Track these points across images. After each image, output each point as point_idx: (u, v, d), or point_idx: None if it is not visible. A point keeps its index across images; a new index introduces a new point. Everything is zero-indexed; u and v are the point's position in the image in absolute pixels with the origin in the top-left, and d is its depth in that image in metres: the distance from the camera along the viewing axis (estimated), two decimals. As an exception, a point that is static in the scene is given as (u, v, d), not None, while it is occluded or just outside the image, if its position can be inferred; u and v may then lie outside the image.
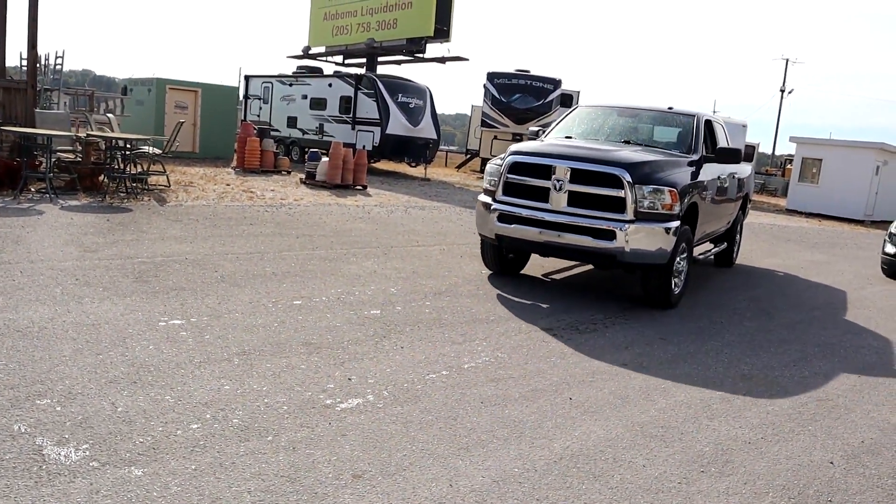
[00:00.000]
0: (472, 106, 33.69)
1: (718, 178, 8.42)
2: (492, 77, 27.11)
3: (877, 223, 23.89)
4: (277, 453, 3.34)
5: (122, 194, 11.17)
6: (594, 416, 4.22)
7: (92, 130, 14.31)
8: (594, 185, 6.69)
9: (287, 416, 3.75)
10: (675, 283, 7.21)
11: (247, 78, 27.61)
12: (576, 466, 3.55)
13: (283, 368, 4.43)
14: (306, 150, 21.91)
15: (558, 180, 6.78)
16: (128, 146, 11.59)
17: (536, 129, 9.05)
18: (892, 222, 12.05)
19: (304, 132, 24.18)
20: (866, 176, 24.06)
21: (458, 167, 32.35)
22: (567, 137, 8.23)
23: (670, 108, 8.71)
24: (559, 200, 6.82)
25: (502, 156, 7.43)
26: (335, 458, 3.36)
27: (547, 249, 7.11)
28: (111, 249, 7.31)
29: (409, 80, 22.90)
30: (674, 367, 5.36)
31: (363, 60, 25.54)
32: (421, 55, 24.02)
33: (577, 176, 6.74)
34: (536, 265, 8.87)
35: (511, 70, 27.15)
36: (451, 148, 52.83)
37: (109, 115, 18.69)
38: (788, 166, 37.06)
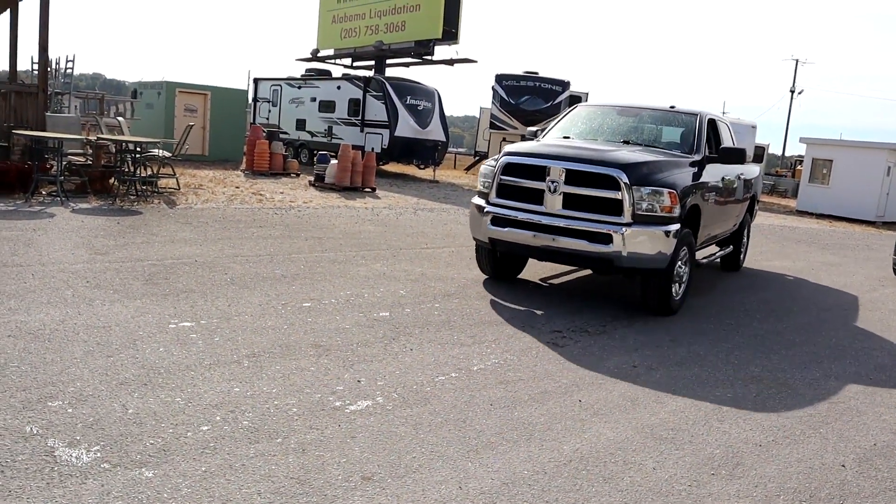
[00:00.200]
0: (481, 108, 33.72)
1: (723, 179, 8.18)
2: (500, 79, 27.13)
3: (888, 224, 23.74)
4: (287, 455, 3.35)
5: (132, 197, 11.23)
6: (604, 419, 4.21)
7: (102, 134, 14.38)
8: (590, 186, 6.46)
9: (297, 418, 3.76)
10: (675, 289, 6.96)
11: (256, 81, 27.70)
12: (585, 469, 3.54)
13: (292, 370, 4.44)
14: (315, 152, 21.99)
15: (553, 182, 6.54)
16: (138, 149, 11.65)
17: (535, 129, 8.85)
18: None
19: (312, 134, 24.24)
20: (877, 177, 23.91)
21: (467, 169, 32.38)
22: (565, 138, 8.01)
23: (672, 107, 8.45)
24: (554, 203, 6.59)
25: (496, 157, 7.24)
26: (345, 459, 3.36)
27: (542, 254, 6.88)
28: (121, 252, 7.34)
29: (418, 83, 22.93)
30: (683, 369, 5.35)
31: (372, 63, 25.62)
32: (429, 57, 24.07)
33: (572, 177, 6.50)
34: (537, 270, 8.86)
35: (519, 72, 27.17)
36: (460, 150, 52.92)
37: (120, 118, 18.80)
38: (798, 167, 36.92)
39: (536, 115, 25.77)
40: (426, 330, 5.65)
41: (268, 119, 26.10)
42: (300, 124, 24.76)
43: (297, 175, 18.29)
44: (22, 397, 3.67)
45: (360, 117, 22.31)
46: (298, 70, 27.00)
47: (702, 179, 7.34)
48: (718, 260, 9.61)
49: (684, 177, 6.92)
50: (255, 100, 27.25)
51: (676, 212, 6.50)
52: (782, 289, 9.41)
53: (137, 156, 11.69)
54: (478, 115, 35.69)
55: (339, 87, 23.54)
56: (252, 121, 26.47)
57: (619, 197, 6.33)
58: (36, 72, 14.68)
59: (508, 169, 6.92)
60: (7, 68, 14.80)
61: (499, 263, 7.81)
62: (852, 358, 6.17)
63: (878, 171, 23.96)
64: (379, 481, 3.20)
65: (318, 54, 27.37)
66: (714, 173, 7.81)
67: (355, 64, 26.88)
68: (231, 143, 21.81)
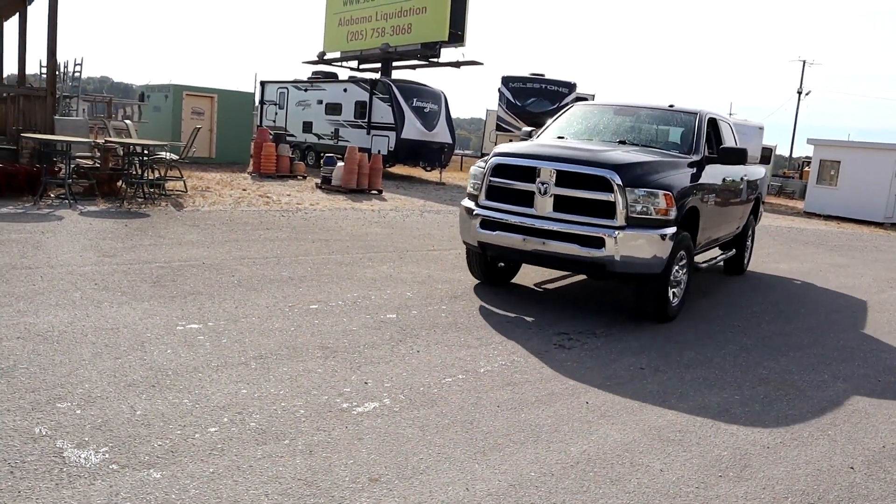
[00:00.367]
0: (487, 110, 33.74)
1: (723, 180, 7.95)
2: (507, 81, 27.14)
3: (896, 226, 23.62)
4: (294, 457, 3.35)
5: (139, 200, 11.28)
6: (611, 421, 4.20)
7: (110, 137, 14.44)
8: (581, 188, 6.22)
9: (304, 420, 3.76)
10: (672, 295, 6.69)
11: (262, 83, 27.79)
12: (592, 471, 3.54)
13: (299, 372, 4.45)
14: (322, 154, 22.01)
15: (543, 183, 6.31)
16: (145, 152, 11.70)
17: (530, 129, 8.62)
18: None
19: (319, 137, 24.30)
20: (886, 178, 23.80)
21: (473, 171, 32.29)
22: (560, 138, 7.79)
23: (671, 106, 8.18)
24: (544, 205, 6.35)
25: (486, 157, 7.03)
26: (352, 461, 3.37)
27: (532, 258, 6.65)
28: (129, 254, 7.37)
29: (424, 85, 22.97)
30: (691, 371, 5.33)
31: (378, 65, 25.68)
32: (436, 60, 24.13)
33: (562, 178, 6.27)
34: (536, 275, 8.85)
35: (526, 74, 27.18)
36: (467, 152, 52.92)
37: (127, 121, 18.87)
38: (806, 168, 36.80)
39: (543, 116, 25.73)
40: (433, 332, 5.65)
41: (274, 122, 26.17)
42: (307, 127, 24.83)
43: (304, 177, 18.33)
44: (31, 399, 3.69)
45: (366, 120, 22.35)
46: (305, 73, 27.08)
47: (701, 181, 7.12)
48: (721, 263, 9.41)
49: (681, 178, 6.70)
50: (262, 102, 27.33)
51: (672, 214, 6.27)
52: (790, 291, 9.38)
53: (145, 158, 11.75)
54: (484, 118, 35.71)
55: (345, 90, 23.59)
56: (259, 123, 26.54)
57: (612, 199, 6.11)
58: (44, 75, 14.76)
59: (498, 170, 6.71)
60: (16, 72, 14.88)
61: (490, 268, 7.60)
62: (861, 360, 6.14)
63: (886, 172, 23.85)
64: (386, 483, 3.20)
65: (325, 57, 27.45)
66: (714, 174, 7.60)
67: (361, 66, 26.94)
68: (238, 146, 21.89)
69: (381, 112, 21.88)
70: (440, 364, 4.88)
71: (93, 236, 8.13)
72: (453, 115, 23.41)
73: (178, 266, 7.04)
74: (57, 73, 15.19)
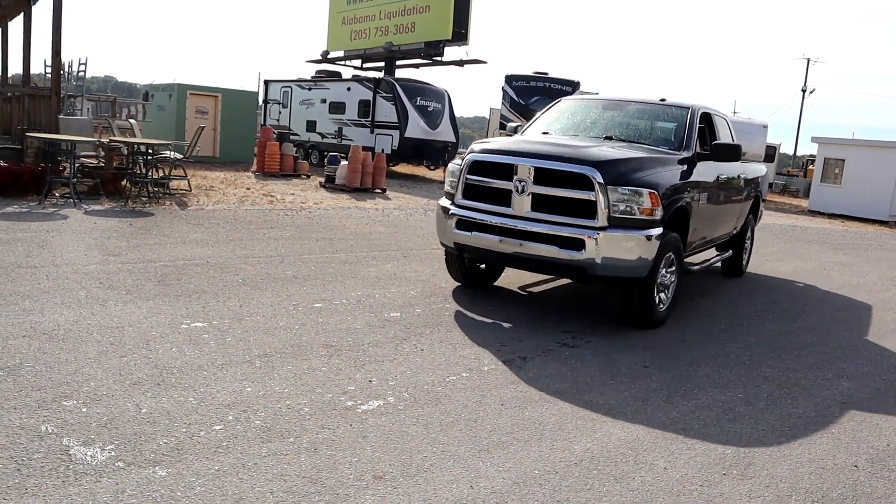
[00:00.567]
0: (491, 108, 33.72)
1: (718, 177, 7.59)
2: (510, 80, 27.12)
3: (901, 224, 23.56)
4: (299, 454, 3.37)
5: (144, 199, 11.30)
6: (615, 419, 4.21)
7: (114, 136, 14.48)
8: (560, 186, 5.88)
9: (308, 418, 3.78)
10: (659, 299, 6.37)
11: (266, 83, 27.82)
12: (596, 469, 3.54)
13: (304, 371, 4.46)
14: (325, 153, 22.07)
15: (520, 181, 5.98)
16: (150, 151, 11.73)
17: (516, 124, 8.24)
18: None
19: (323, 136, 24.32)
20: (890, 176, 23.73)
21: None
22: (544, 133, 7.45)
23: (662, 100, 7.80)
24: (522, 204, 6.02)
25: (464, 154, 6.72)
26: (356, 459, 3.38)
27: (510, 260, 6.35)
28: (134, 253, 7.39)
29: (428, 84, 22.97)
30: (694, 369, 5.33)
31: (381, 64, 25.70)
32: (439, 58, 24.13)
33: (541, 176, 5.94)
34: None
35: (529, 72, 27.15)
36: (470, 151, 52.80)
37: (132, 120, 18.92)
38: (810, 167, 36.73)
39: (546, 115, 25.71)
40: (437, 330, 5.66)
41: (278, 121, 26.20)
42: (310, 126, 24.85)
43: (308, 176, 18.35)
44: (37, 397, 3.71)
45: (370, 118, 22.37)
46: (308, 72, 27.12)
47: (692, 178, 6.77)
48: (720, 264, 9.16)
49: (669, 175, 6.36)
50: (266, 101, 27.36)
51: (658, 214, 5.93)
52: (794, 289, 9.37)
53: (149, 158, 11.77)
54: (488, 116, 35.70)
55: (349, 89, 23.61)
56: (262, 122, 26.58)
57: (593, 198, 5.77)
58: (49, 75, 14.80)
59: (475, 167, 6.38)
60: (20, 71, 14.92)
61: (470, 270, 7.25)
62: (865, 358, 6.14)
63: (891, 170, 23.79)
64: (390, 480, 3.21)
65: (328, 56, 27.47)
66: (707, 172, 7.24)
67: (365, 65, 26.96)
68: (242, 145, 21.92)
69: (385, 111, 21.89)
70: (444, 362, 4.89)
71: (97, 235, 8.16)
72: (457, 113, 23.43)
73: (183, 265, 7.06)
74: (61, 72, 15.23)
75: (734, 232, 9.18)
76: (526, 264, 6.31)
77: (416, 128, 21.44)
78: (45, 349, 4.40)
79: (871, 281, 10.57)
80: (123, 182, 11.79)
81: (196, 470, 3.13)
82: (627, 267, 5.88)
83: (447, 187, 6.79)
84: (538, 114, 8.29)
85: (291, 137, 22.14)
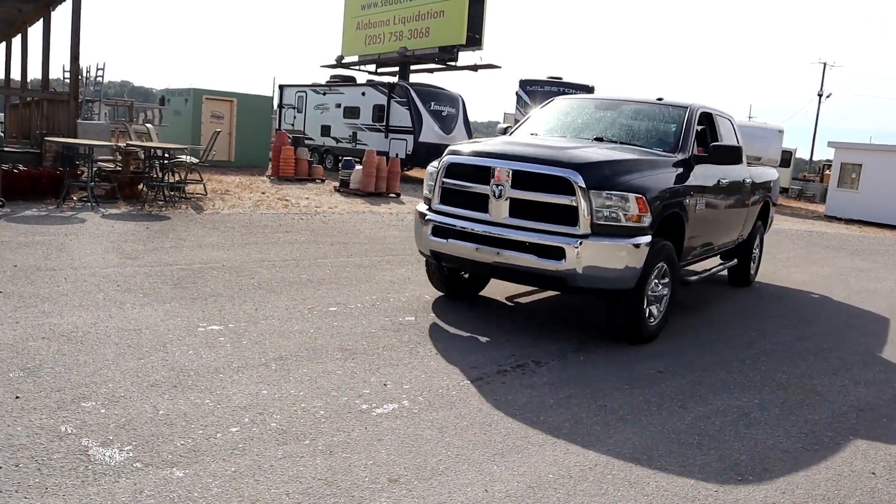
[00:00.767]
0: (505, 113, 33.75)
1: (718, 182, 7.10)
2: (524, 84, 27.12)
3: (919, 230, 23.34)
4: (315, 457, 3.39)
5: (160, 202, 11.40)
6: (629, 423, 4.20)
7: (131, 140, 14.61)
8: (540, 190, 5.48)
9: (324, 421, 3.80)
10: (650, 312, 5.92)
11: (281, 87, 27.99)
12: (611, 473, 3.54)
13: (319, 374, 4.49)
14: (340, 158, 22.16)
15: (497, 185, 5.59)
16: (166, 155, 11.83)
17: (506, 125, 7.92)
18: None
19: (337, 140, 24.43)
20: (908, 181, 23.53)
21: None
22: (532, 134, 7.08)
23: (659, 100, 7.37)
24: (499, 210, 5.62)
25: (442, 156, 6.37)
26: (371, 462, 3.39)
27: (488, 270, 5.97)
28: (151, 256, 7.46)
29: (442, 88, 23.04)
30: (709, 375, 5.31)
31: (396, 69, 25.79)
32: (453, 63, 24.19)
33: (519, 179, 5.54)
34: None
35: (543, 77, 27.13)
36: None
37: (148, 125, 19.09)
38: (827, 172, 36.49)
39: (560, 120, 25.65)
40: (451, 334, 5.67)
41: (293, 125, 26.34)
42: (325, 130, 24.97)
43: (323, 181, 18.43)
44: (56, 398, 3.75)
45: (384, 123, 22.45)
46: (323, 77, 27.28)
47: (688, 182, 6.34)
48: (726, 273, 8.80)
49: (660, 179, 5.96)
50: (281, 106, 27.53)
51: (646, 221, 5.52)
52: (810, 295, 9.30)
53: (165, 162, 11.88)
54: (502, 121, 35.70)
55: (363, 94, 23.71)
56: (277, 127, 26.73)
57: (574, 203, 5.36)
58: (67, 80, 14.97)
59: (451, 170, 6.02)
60: (40, 77, 15.10)
61: (452, 279, 6.86)
62: (882, 364, 6.09)
63: (908, 175, 23.58)
64: (405, 483, 3.22)
65: (343, 61, 27.62)
66: (706, 175, 6.77)
67: (380, 70, 27.08)
68: (257, 149, 22.05)
69: (399, 115, 21.96)
70: (459, 366, 4.90)
71: (115, 238, 8.24)
72: (471, 118, 23.46)
73: (199, 268, 7.12)
74: (80, 77, 15.40)
75: (740, 239, 8.71)
76: (505, 274, 5.94)
77: (431, 132, 21.49)
78: (64, 351, 4.45)
79: (889, 287, 10.48)
80: (140, 186, 11.89)
81: (213, 471, 3.16)
82: (612, 278, 5.47)
83: (425, 191, 6.44)
84: (529, 114, 7.94)
85: (306, 142, 22.25)
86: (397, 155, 20.71)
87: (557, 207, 5.45)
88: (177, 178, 12.45)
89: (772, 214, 10.09)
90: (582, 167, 5.42)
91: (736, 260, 8.94)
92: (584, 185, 5.33)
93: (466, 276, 6.93)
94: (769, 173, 9.73)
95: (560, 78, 27.01)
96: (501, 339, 5.67)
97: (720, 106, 9.97)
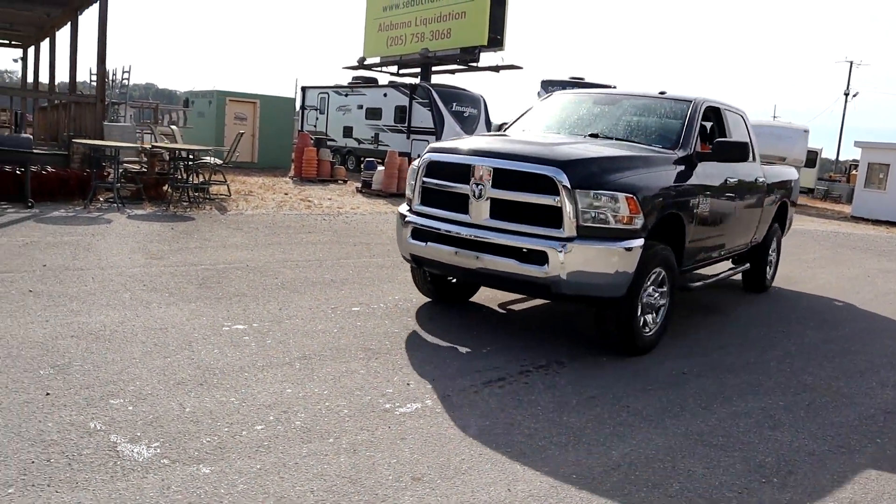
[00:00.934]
0: (526, 114, 33.61)
1: (726, 181, 6.67)
2: (546, 85, 27.00)
3: (948, 231, 22.97)
4: (339, 455, 3.42)
5: (184, 203, 11.53)
6: (652, 425, 4.19)
7: (156, 142, 14.79)
8: (521, 189, 5.10)
9: (347, 420, 3.83)
10: (644, 321, 5.49)
11: (303, 89, 28.18)
12: (634, 474, 3.53)
13: (342, 373, 4.52)
14: (362, 159, 22.26)
15: (477, 184, 5.22)
16: (190, 157, 11.96)
17: (502, 122, 7.66)
18: None
19: (359, 141, 24.54)
20: (937, 182, 23.17)
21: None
22: (524, 131, 6.79)
23: (662, 93, 6.99)
24: (480, 211, 5.25)
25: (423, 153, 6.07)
26: (395, 460, 3.42)
27: (469, 275, 5.56)
28: (176, 257, 7.55)
29: (464, 89, 23.07)
30: (733, 376, 5.28)
31: (417, 70, 25.87)
32: (475, 64, 24.21)
33: (500, 178, 5.16)
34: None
35: (565, 77, 27.05)
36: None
37: (173, 126, 19.31)
38: (853, 172, 35.99)
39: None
40: (475, 335, 5.68)
41: (315, 126, 26.50)
42: (347, 131, 25.10)
43: (345, 182, 18.53)
44: (86, 394, 3.82)
45: (406, 124, 22.52)
46: (345, 78, 27.41)
47: (690, 181, 5.94)
48: (740, 277, 8.42)
49: (655, 177, 5.54)
50: (303, 108, 27.72)
51: (638, 223, 5.09)
52: (836, 296, 9.18)
53: (190, 163, 12.01)
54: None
55: (385, 95, 23.81)
56: (300, 128, 26.91)
57: (558, 203, 4.95)
58: (94, 83, 15.19)
59: (432, 168, 5.69)
60: (67, 80, 15.33)
61: (438, 283, 6.49)
62: (910, 367, 6.01)
63: (937, 175, 23.21)
64: (429, 482, 3.24)
65: (365, 62, 27.74)
66: (710, 174, 6.34)
67: (401, 71, 27.18)
68: (279, 151, 22.21)
69: (421, 116, 22.02)
70: (482, 366, 4.91)
71: (140, 239, 8.35)
72: (492, 119, 23.45)
73: (223, 268, 7.19)
74: (106, 80, 15.60)
75: (753, 243, 8.20)
76: (486, 280, 5.58)
77: (453, 133, 21.50)
78: (92, 349, 4.52)
79: (917, 289, 10.32)
80: (165, 187, 12.03)
81: (239, 468, 3.20)
82: (600, 285, 5.07)
83: (407, 191, 6.11)
84: (525, 110, 7.50)
85: (328, 143, 22.38)
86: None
87: (541, 208, 5.06)
88: (201, 179, 12.59)
89: (790, 216, 9.58)
90: (566, 164, 5.03)
91: (749, 264, 8.45)
92: (568, 184, 4.92)
93: (454, 280, 6.54)
94: (787, 172, 9.29)
95: (582, 78, 26.90)
96: (523, 341, 5.67)
97: (744, 105, 9.74)
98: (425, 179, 5.73)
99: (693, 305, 7.55)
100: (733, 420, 4.39)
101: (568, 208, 4.93)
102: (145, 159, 12.55)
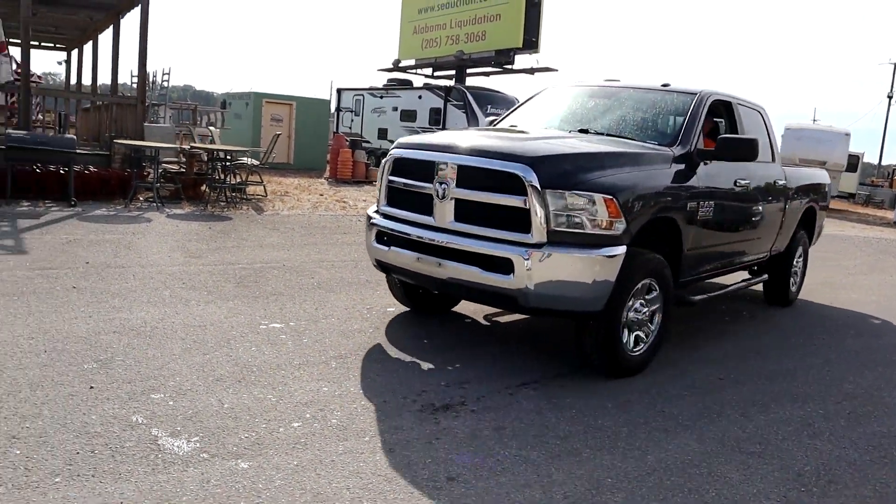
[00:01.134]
0: (560, 117, 33.47)
1: (736, 182, 6.02)
2: (579, 87, 26.89)
3: None
4: (374, 453, 3.44)
5: (222, 203, 11.69)
6: (688, 430, 4.15)
7: (195, 143, 15.03)
8: (487, 189, 4.56)
9: (383, 419, 3.86)
10: (627, 339, 4.85)
11: (339, 91, 28.39)
12: (669, 479, 3.50)
13: (378, 372, 4.55)
14: (396, 161, 22.28)
15: (441, 183, 4.70)
16: (228, 157, 12.13)
17: (492, 118, 7.14)
18: None
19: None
20: (983, 188, 22.55)
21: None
22: (511, 126, 6.36)
23: (665, 86, 6.33)
24: (444, 212, 4.73)
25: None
26: (430, 460, 3.43)
27: (430, 283, 5.04)
28: (214, 256, 7.67)
29: (498, 92, 23.05)
30: (771, 383, 5.20)
31: (452, 72, 25.89)
32: (510, 66, 24.16)
33: (465, 176, 4.63)
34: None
35: (600, 80, 26.87)
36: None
37: (211, 127, 19.59)
38: (896, 177, 35.21)
39: (617, 123, 25.36)
40: (510, 336, 5.68)
41: (350, 128, 26.69)
42: (382, 133, 25.23)
43: (378, 183, 18.62)
44: (128, 389, 3.90)
45: (441, 126, 22.56)
46: (380, 80, 27.57)
47: (689, 182, 5.33)
48: (761, 288, 7.81)
49: (645, 177, 4.93)
50: (339, 109, 27.92)
51: (619, 228, 4.50)
52: (878, 304, 8.99)
53: (227, 164, 12.18)
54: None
55: (420, 97, 23.89)
56: (335, 130, 27.13)
57: (526, 205, 4.40)
58: (135, 85, 15.48)
59: (397, 166, 5.18)
60: (109, 82, 15.66)
61: (412, 291, 5.94)
62: (955, 377, 5.86)
63: (984, 181, 22.59)
64: (464, 482, 3.25)
65: (400, 64, 27.84)
66: (716, 174, 5.70)
67: (436, 73, 27.24)
68: (315, 152, 22.41)
69: (456, 119, 22.05)
70: (518, 368, 4.90)
71: (179, 238, 8.49)
72: (526, 121, 23.37)
73: (260, 267, 7.29)
74: (146, 82, 15.89)
75: (774, 252, 7.40)
76: (450, 289, 5.00)
77: (486, 136, 21.52)
78: (133, 345, 4.61)
79: (962, 297, 10.05)
80: (203, 187, 12.23)
81: (276, 464, 3.24)
82: (574, 298, 4.51)
83: (376, 190, 5.62)
84: (517, 104, 7.04)
85: (363, 145, 22.52)
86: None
87: (508, 210, 4.49)
88: (238, 179, 12.76)
89: (820, 223, 8.68)
90: (535, 161, 4.45)
91: (767, 275, 7.64)
92: (537, 184, 4.35)
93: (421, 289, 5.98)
94: (815, 175, 8.40)
95: (617, 80, 26.73)
96: (557, 343, 5.65)
97: (783, 108, 9.42)
98: (391, 178, 5.23)
99: (729, 312, 7.45)
100: (771, 427, 4.32)
101: (537, 210, 4.37)
102: (184, 160, 12.76)
